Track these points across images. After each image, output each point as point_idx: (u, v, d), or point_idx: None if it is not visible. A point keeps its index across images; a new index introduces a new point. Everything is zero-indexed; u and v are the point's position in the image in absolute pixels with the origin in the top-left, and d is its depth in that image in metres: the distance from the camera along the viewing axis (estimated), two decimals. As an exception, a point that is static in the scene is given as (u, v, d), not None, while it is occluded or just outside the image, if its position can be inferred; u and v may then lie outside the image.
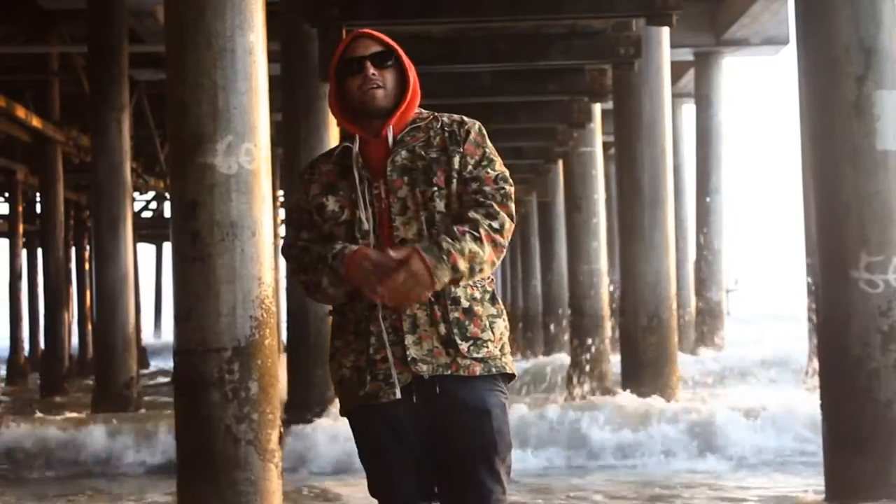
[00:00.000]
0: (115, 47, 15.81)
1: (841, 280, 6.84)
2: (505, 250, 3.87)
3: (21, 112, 19.77)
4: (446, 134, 3.94)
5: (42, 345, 24.97)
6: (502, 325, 3.93)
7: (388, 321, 3.82)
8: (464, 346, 3.82)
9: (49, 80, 21.49)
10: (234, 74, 6.48)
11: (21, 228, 25.54)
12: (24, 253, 27.01)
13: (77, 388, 21.60)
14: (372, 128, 3.93)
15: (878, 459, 6.81)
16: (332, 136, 12.40)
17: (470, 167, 3.91)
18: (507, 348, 3.94)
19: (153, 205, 35.72)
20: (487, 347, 3.86)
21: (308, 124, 12.25)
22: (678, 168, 21.86)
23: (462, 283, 3.82)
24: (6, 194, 25.85)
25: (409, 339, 3.80)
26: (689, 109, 24.72)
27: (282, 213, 16.30)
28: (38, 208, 25.98)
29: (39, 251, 26.11)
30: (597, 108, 17.75)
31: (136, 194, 27.86)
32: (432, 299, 3.81)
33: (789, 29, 18.63)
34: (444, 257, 3.73)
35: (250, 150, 6.51)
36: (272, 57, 7.48)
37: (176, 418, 6.68)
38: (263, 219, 6.57)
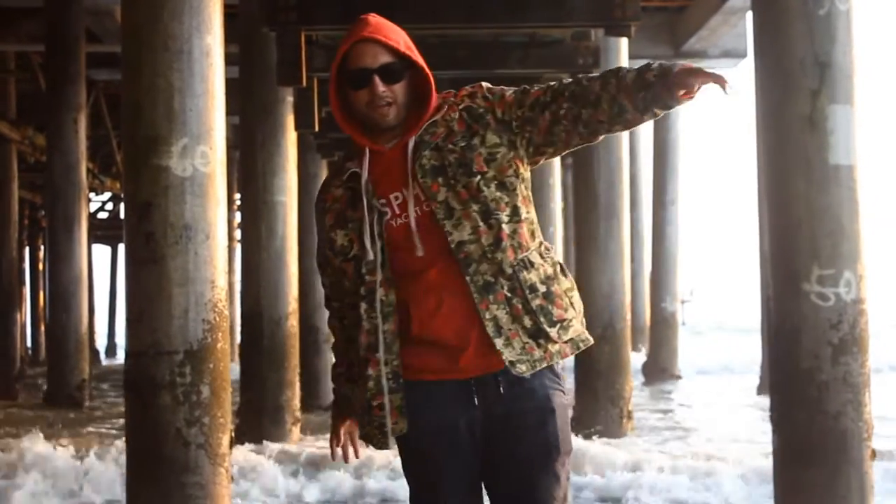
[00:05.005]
0: (72, 46, 15.76)
1: (792, 293, 6.88)
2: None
3: (-24, 110, 19.64)
4: (464, 114, 3.49)
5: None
6: (578, 296, 3.61)
7: (390, 367, 3.49)
8: (553, 332, 3.49)
9: (5, 79, 21.35)
10: (191, 77, 6.45)
11: (-26, 227, 25.32)
12: (-24, 252, 26.78)
13: (29, 389, 21.41)
14: (385, 138, 3.51)
15: (827, 471, 6.85)
16: (290, 140, 12.38)
17: (515, 110, 3.49)
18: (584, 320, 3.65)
19: (109, 206, 35.50)
20: (573, 326, 3.55)
21: (265, 128, 12.21)
22: (634, 178, 21.95)
23: (534, 262, 3.51)
24: (-40, 192, 25.54)
25: (498, 343, 3.44)
26: (646, 120, 24.75)
27: (237, 217, 16.23)
28: (-8, 207, 25.77)
29: (-8, 250, 25.89)
30: (555, 118, 17.76)
31: (91, 195, 27.73)
32: (508, 294, 3.45)
33: (747, 42, 18.75)
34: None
35: (206, 153, 6.49)
36: (230, 59, 7.45)
37: (126, 421, 6.64)
38: (218, 222, 6.54)
